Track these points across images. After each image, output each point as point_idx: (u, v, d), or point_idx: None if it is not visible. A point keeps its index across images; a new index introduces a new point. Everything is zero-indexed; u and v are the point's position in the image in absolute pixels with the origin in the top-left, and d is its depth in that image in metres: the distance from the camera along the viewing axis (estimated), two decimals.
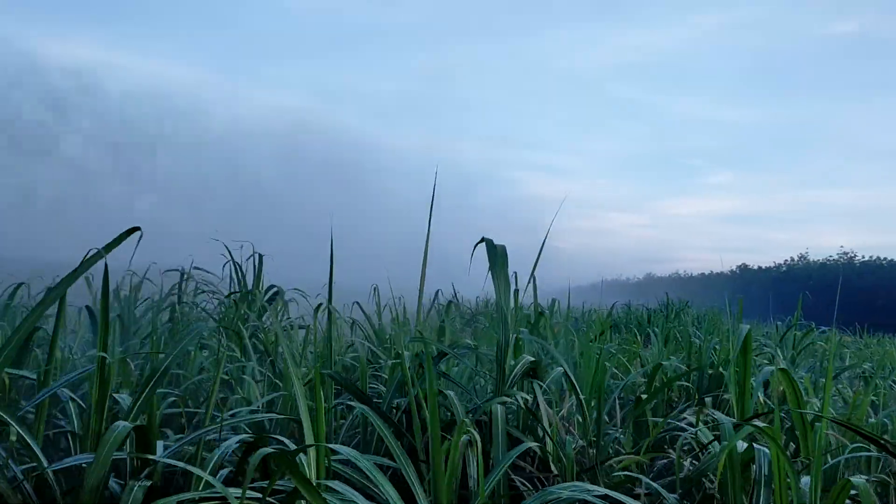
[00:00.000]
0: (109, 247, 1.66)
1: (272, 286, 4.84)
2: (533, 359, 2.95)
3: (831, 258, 39.84)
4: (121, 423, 1.60)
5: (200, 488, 1.62)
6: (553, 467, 2.71)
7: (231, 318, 4.21)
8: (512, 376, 2.79)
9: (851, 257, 37.91)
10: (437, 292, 6.30)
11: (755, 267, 47.31)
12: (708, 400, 3.67)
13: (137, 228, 1.71)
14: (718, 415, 1.84)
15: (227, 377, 3.32)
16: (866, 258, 37.28)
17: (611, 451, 2.85)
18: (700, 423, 2.57)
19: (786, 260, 44.62)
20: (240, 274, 4.87)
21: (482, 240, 2.80)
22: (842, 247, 40.07)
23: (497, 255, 2.75)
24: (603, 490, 1.71)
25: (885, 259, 36.17)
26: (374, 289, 5.20)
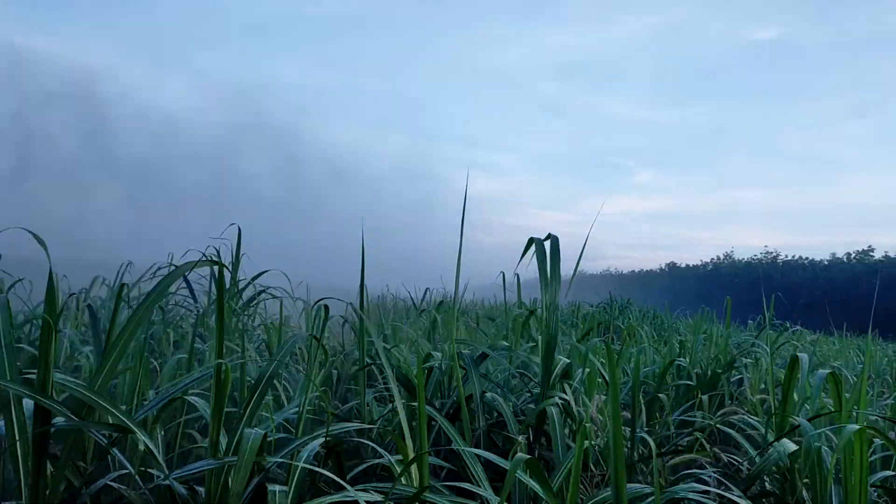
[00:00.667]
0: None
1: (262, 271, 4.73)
2: (568, 360, 3.03)
3: (756, 257, 41.45)
4: (252, 431, 1.62)
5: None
6: (591, 467, 2.79)
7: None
8: (554, 377, 2.86)
9: (775, 257, 39.57)
10: (427, 290, 6.35)
11: (683, 265, 48.84)
12: (704, 398, 3.84)
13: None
14: (801, 420, 1.95)
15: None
16: (788, 257, 38.89)
17: (643, 450, 2.96)
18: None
19: (712, 258, 46.25)
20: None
21: (531, 241, 2.84)
22: (766, 246, 41.71)
23: (547, 253, 2.82)
24: (702, 486, 1.81)
25: (806, 259, 37.80)
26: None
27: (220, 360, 1.73)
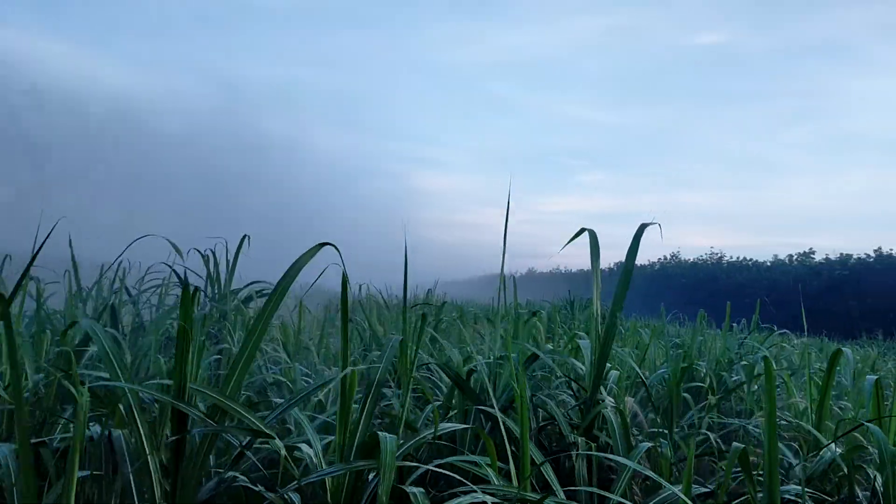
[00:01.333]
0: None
1: (254, 282, 4.71)
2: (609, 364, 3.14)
3: (702, 258, 42.39)
4: (387, 435, 1.68)
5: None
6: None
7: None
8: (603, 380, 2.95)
9: (720, 257, 40.52)
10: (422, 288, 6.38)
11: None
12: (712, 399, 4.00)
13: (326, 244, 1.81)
14: (872, 427, 2.07)
15: (282, 379, 3.33)
16: (733, 258, 39.92)
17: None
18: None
19: (659, 258, 47.13)
20: (213, 271, 4.71)
21: (582, 230, 2.92)
22: (712, 247, 42.66)
23: (595, 248, 2.91)
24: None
25: (750, 260, 38.86)
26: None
27: (349, 369, 1.79)
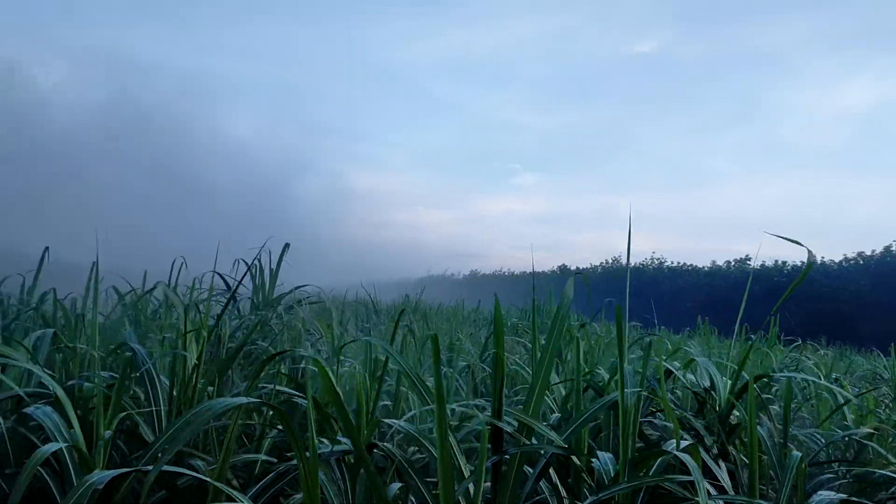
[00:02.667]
0: None
1: (298, 287, 4.64)
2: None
3: (644, 262, 43.20)
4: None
5: None
6: None
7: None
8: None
9: (662, 262, 41.33)
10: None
11: (573, 267, 50.28)
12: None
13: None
14: None
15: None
16: (674, 263, 40.77)
17: None
18: None
19: (601, 262, 47.83)
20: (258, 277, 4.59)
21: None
22: (653, 252, 43.47)
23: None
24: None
25: (690, 265, 39.71)
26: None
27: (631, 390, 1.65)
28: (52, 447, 1.65)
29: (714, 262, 41.74)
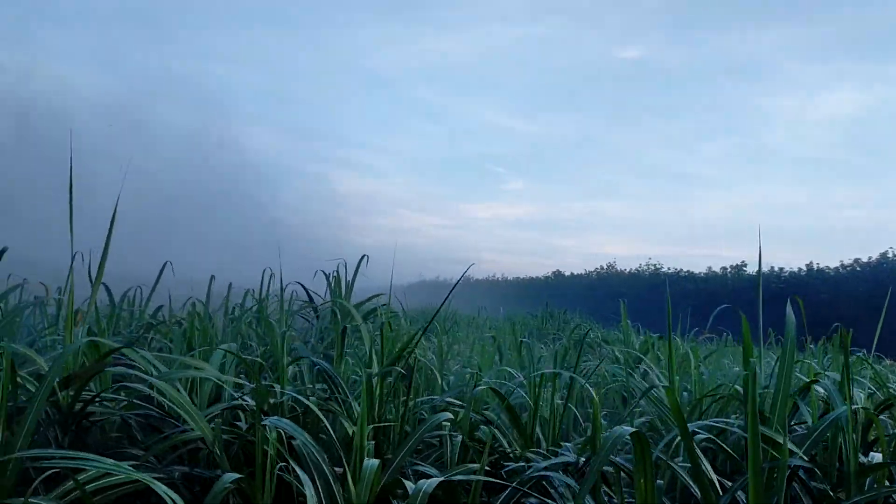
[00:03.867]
0: None
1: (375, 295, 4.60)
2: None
3: (640, 268, 43.12)
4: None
5: None
6: None
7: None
8: None
9: (658, 268, 41.25)
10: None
11: (568, 273, 50.17)
12: None
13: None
14: None
15: None
16: (670, 270, 40.70)
17: None
18: None
19: (596, 268, 47.73)
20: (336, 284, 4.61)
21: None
22: (650, 258, 43.41)
23: None
24: None
25: (686, 271, 39.67)
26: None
27: None
28: None
29: (710, 268, 41.62)
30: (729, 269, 39.97)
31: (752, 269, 38.57)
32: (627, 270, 45.94)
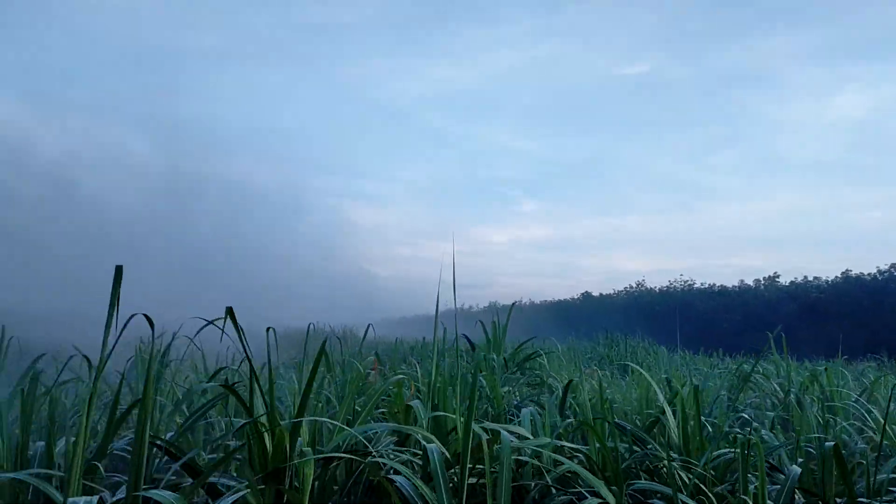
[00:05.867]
0: None
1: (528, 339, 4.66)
2: None
3: (671, 285, 43.08)
4: None
5: None
6: None
7: None
8: None
9: (691, 284, 41.18)
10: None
11: (597, 294, 50.15)
12: None
13: None
14: None
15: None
16: (704, 285, 40.64)
17: None
18: None
19: (625, 287, 47.75)
20: None
21: None
22: (682, 275, 43.48)
23: None
24: None
25: (718, 285, 39.64)
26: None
27: None
28: None
29: (742, 280, 41.66)
30: (762, 281, 39.90)
31: (784, 279, 38.56)
32: (657, 288, 46.05)
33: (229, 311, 2.23)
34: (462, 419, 2.67)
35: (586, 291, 48.73)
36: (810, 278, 37.49)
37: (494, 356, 5.80)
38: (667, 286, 43.20)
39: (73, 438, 2.60)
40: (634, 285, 47.38)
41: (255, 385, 2.41)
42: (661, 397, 3.28)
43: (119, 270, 1.73)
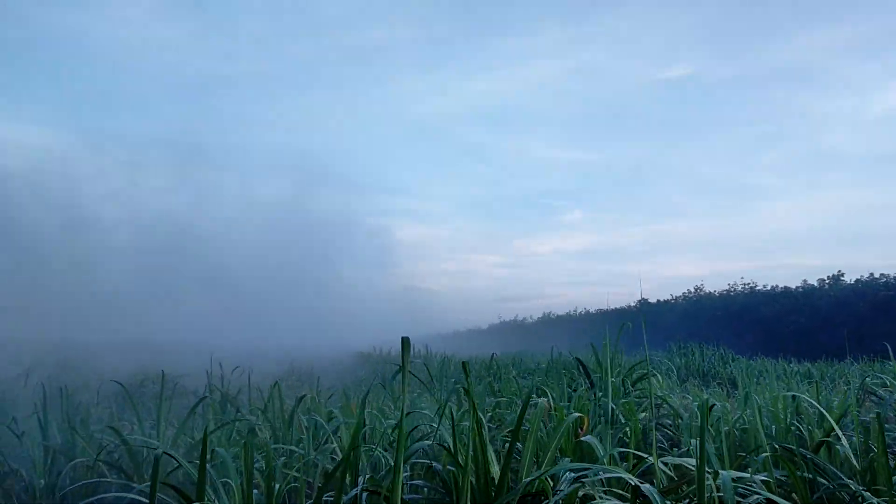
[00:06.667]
0: None
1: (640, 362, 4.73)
2: None
3: (732, 288, 42.36)
4: None
5: None
6: None
7: None
8: None
9: (752, 287, 40.47)
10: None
11: (654, 301, 49.58)
12: None
13: None
14: None
15: None
16: (766, 287, 39.93)
17: None
18: None
19: (683, 292, 47.10)
20: None
21: None
22: (742, 278, 42.75)
23: None
24: None
25: (781, 287, 38.89)
26: None
27: None
28: None
29: (805, 280, 40.83)
30: (826, 280, 39.03)
31: (849, 277, 37.65)
32: (717, 292, 45.32)
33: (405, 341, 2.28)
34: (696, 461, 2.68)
35: (643, 298, 48.24)
36: (876, 275, 36.55)
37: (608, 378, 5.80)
38: (726, 290, 42.61)
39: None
40: (692, 290, 46.86)
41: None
42: (830, 420, 3.30)
43: (406, 342, 1.86)
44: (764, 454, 3.21)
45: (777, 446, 3.29)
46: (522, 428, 2.84)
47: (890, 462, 3.18)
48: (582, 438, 3.18)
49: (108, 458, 4.17)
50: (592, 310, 53.65)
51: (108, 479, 3.91)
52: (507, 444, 3.27)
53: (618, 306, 51.61)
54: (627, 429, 4.05)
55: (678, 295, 47.56)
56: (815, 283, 38.34)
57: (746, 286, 41.22)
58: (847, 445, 3.22)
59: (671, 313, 44.91)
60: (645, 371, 6.67)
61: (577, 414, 3.18)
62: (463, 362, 2.89)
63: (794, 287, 38.65)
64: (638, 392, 6.84)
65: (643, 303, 48.45)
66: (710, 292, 44.93)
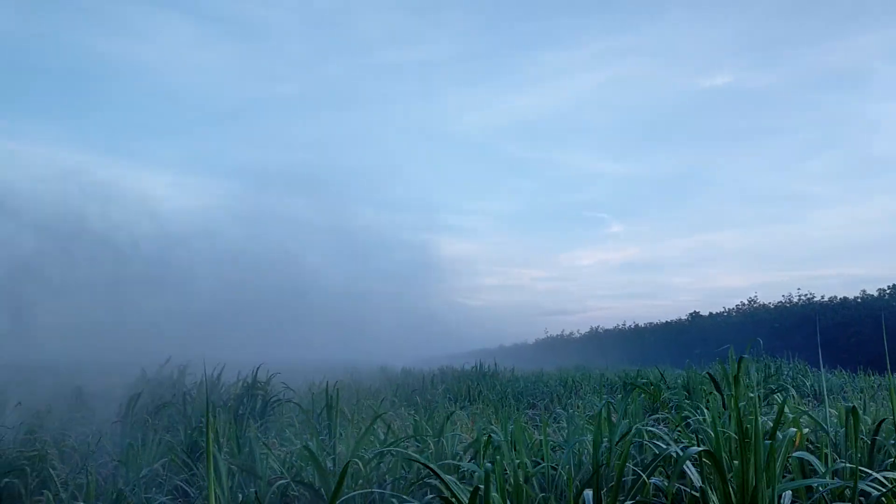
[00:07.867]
0: None
1: None
2: None
3: (787, 299, 41.62)
4: None
5: None
6: None
7: None
8: None
9: (810, 298, 39.74)
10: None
11: (706, 313, 48.93)
12: None
13: None
14: None
15: None
16: (824, 298, 39.15)
17: None
18: None
19: (737, 304, 46.42)
20: None
21: None
22: (798, 289, 42.06)
23: None
24: None
25: (840, 298, 38.13)
26: None
27: None
28: None
29: (864, 290, 39.95)
30: (887, 290, 38.17)
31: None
32: (772, 303, 44.53)
33: None
34: None
35: (695, 311, 47.50)
36: None
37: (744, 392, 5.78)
38: (782, 301, 41.81)
39: None
40: (746, 302, 45.94)
41: None
42: None
43: None
44: None
45: None
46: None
47: None
48: (795, 454, 3.24)
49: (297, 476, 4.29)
50: (642, 323, 53.02)
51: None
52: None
53: (668, 319, 51.02)
54: None
55: (731, 307, 46.90)
56: (875, 293, 37.58)
57: (803, 297, 40.56)
58: None
59: (725, 326, 44.27)
60: (774, 386, 6.64)
61: (794, 429, 3.23)
62: None
63: (852, 297, 37.93)
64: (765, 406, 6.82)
65: (695, 315, 47.86)
66: (764, 304, 44.12)
